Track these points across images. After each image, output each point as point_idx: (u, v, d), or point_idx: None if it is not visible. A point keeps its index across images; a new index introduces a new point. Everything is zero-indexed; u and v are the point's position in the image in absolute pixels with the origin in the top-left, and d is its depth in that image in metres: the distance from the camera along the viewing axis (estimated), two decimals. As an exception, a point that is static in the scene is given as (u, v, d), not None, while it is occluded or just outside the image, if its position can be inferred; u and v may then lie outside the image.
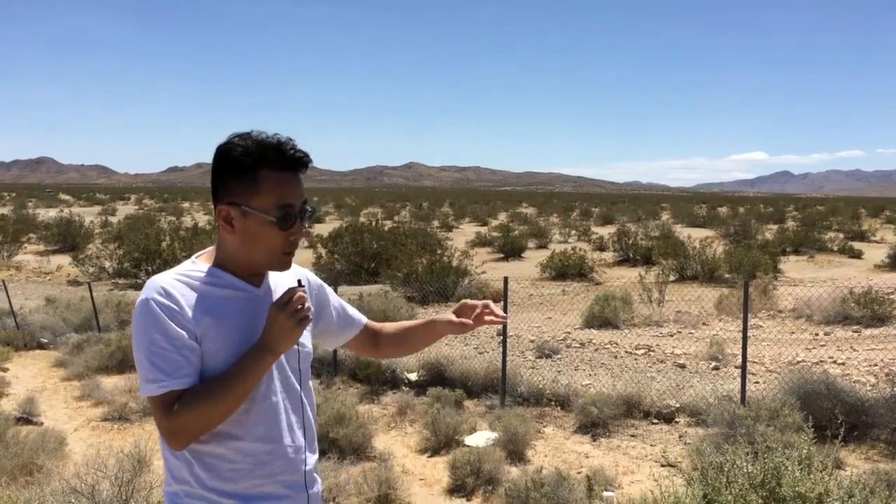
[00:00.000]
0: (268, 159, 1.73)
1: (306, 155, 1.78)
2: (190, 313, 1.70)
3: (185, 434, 1.68)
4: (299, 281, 1.79)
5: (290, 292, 1.73)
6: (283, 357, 1.82)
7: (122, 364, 9.91)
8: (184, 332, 1.68)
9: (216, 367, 1.72)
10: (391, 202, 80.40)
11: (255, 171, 1.73)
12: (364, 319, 2.22)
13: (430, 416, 6.96)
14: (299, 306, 1.71)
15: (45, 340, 12.01)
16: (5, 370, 10.10)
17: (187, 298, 1.71)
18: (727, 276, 18.92)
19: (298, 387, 1.90)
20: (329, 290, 2.15)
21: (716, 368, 9.49)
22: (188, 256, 1.91)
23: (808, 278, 19.69)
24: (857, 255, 25.82)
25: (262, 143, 1.73)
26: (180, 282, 1.73)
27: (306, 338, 1.94)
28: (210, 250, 1.86)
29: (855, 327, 11.90)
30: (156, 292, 1.69)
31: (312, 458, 1.93)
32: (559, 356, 10.36)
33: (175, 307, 1.68)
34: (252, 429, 1.77)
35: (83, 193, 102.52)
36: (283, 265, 1.82)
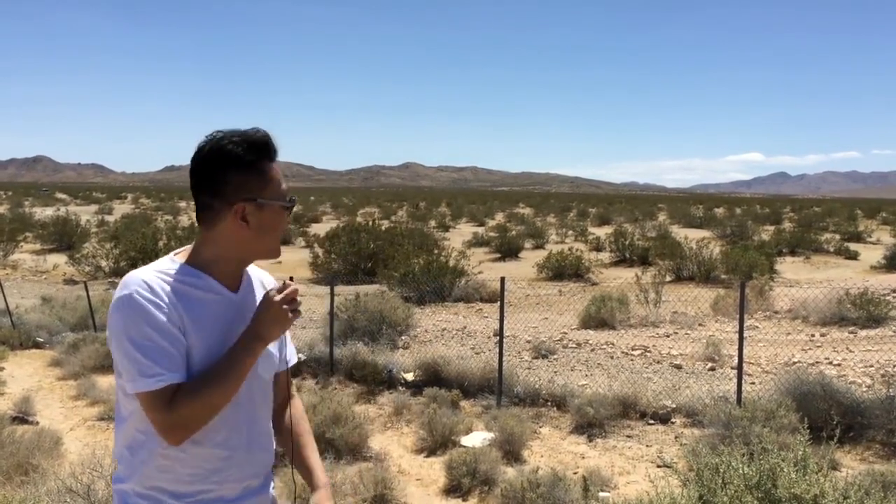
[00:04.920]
0: (265, 152, 1.80)
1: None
2: (174, 310, 1.70)
3: (187, 428, 1.68)
4: (291, 278, 1.85)
5: (285, 283, 1.79)
6: (257, 363, 1.83)
7: (119, 363, 9.90)
8: (172, 326, 1.68)
9: (191, 368, 1.71)
10: (388, 202, 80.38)
11: (259, 165, 1.78)
12: (293, 360, 2.11)
13: (427, 416, 6.96)
14: (294, 297, 1.78)
15: (41, 340, 11.98)
16: (1, 369, 10.08)
17: (169, 296, 1.71)
18: (723, 276, 18.95)
19: (264, 395, 1.93)
20: None
21: (712, 369, 9.51)
22: None
23: (804, 279, 19.73)
24: (854, 256, 25.88)
25: (257, 138, 1.79)
26: (161, 279, 1.72)
27: (274, 347, 1.94)
28: (187, 250, 1.85)
29: (851, 328, 11.92)
30: (137, 287, 1.68)
31: (268, 464, 1.97)
32: (555, 357, 10.36)
33: (159, 301, 1.68)
34: (214, 434, 1.77)
35: (80, 192, 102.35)
36: (279, 252, 1.89)
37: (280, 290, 1.78)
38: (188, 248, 1.86)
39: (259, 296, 1.90)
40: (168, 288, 1.72)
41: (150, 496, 1.76)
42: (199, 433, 1.73)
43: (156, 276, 1.73)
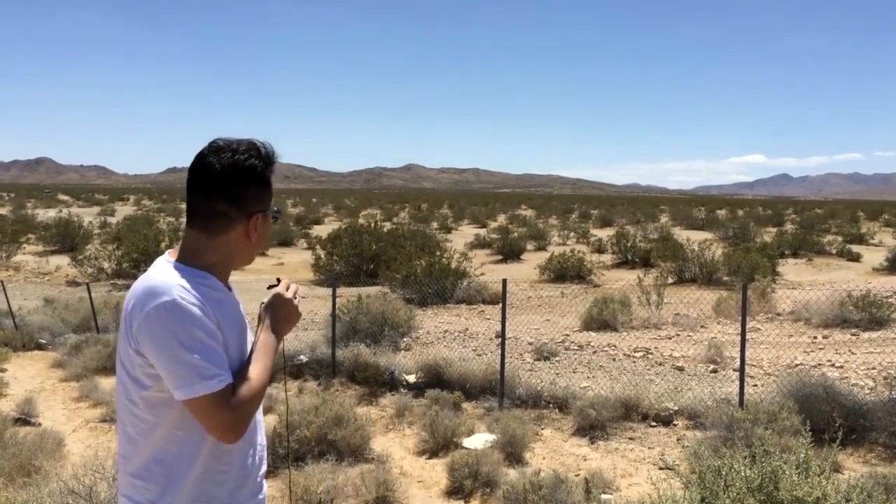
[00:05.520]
0: (272, 166, 1.88)
1: None
2: (211, 312, 1.74)
3: (245, 423, 1.73)
4: (278, 279, 2.02)
5: (287, 283, 1.95)
6: None
7: (121, 365, 9.90)
8: (215, 327, 1.73)
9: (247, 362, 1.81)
10: (390, 204, 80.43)
11: (270, 179, 1.88)
12: None
13: (429, 417, 6.96)
14: (298, 294, 1.95)
15: (44, 341, 12.00)
16: (4, 371, 10.09)
17: (203, 299, 1.75)
18: (726, 278, 18.93)
19: None
20: None
21: (714, 371, 9.50)
22: None
23: (806, 281, 19.71)
24: (856, 258, 25.84)
25: (270, 152, 1.88)
26: (190, 282, 1.75)
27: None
28: (176, 252, 1.86)
29: (853, 330, 11.90)
30: (179, 292, 1.70)
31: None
32: (557, 358, 10.36)
33: (202, 306, 1.72)
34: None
35: (82, 194, 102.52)
36: None
37: (288, 287, 1.94)
38: (175, 251, 1.87)
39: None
40: (199, 292, 1.75)
41: None
42: None
43: (184, 279, 1.75)
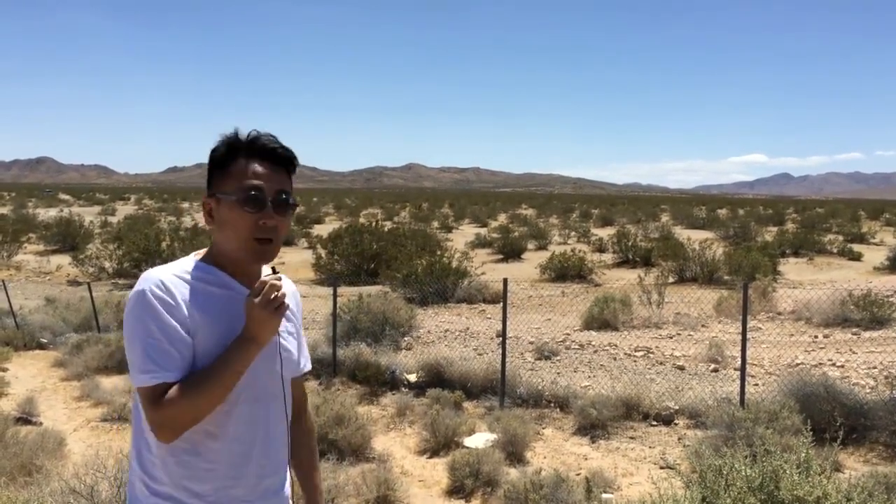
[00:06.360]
0: (241, 150, 1.79)
1: (283, 148, 1.82)
2: (185, 308, 1.71)
3: (173, 426, 1.67)
4: (273, 269, 1.80)
5: (262, 282, 1.71)
6: (274, 362, 1.84)
7: (122, 364, 9.91)
8: (178, 326, 1.69)
9: (200, 364, 1.72)
10: (391, 203, 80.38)
11: (230, 162, 1.79)
12: (307, 366, 2.11)
13: (430, 417, 6.96)
14: (273, 295, 1.69)
15: (45, 340, 12.01)
16: (5, 370, 10.10)
17: (183, 294, 1.72)
18: (726, 277, 18.92)
19: (282, 394, 1.90)
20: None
21: (715, 370, 9.50)
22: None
23: (807, 280, 19.70)
24: (857, 257, 25.82)
25: (239, 137, 1.80)
26: (177, 277, 1.74)
27: (292, 345, 1.94)
28: (207, 249, 1.88)
29: (854, 330, 11.90)
30: (152, 284, 1.70)
31: (285, 464, 1.96)
32: (558, 358, 10.36)
33: (171, 301, 1.69)
34: (231, 429, 1.77)
35: (83, 193, 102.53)
36: (257, 253, 1.78)
37: (257, 293, 1.70)
38: (207, 248, 1.89)
39: None
40: (183, 287, 1.73)
41: (168, 495, 1.75)
42: (213, 427, 1.74)
43: (172, 274, 1.75)
